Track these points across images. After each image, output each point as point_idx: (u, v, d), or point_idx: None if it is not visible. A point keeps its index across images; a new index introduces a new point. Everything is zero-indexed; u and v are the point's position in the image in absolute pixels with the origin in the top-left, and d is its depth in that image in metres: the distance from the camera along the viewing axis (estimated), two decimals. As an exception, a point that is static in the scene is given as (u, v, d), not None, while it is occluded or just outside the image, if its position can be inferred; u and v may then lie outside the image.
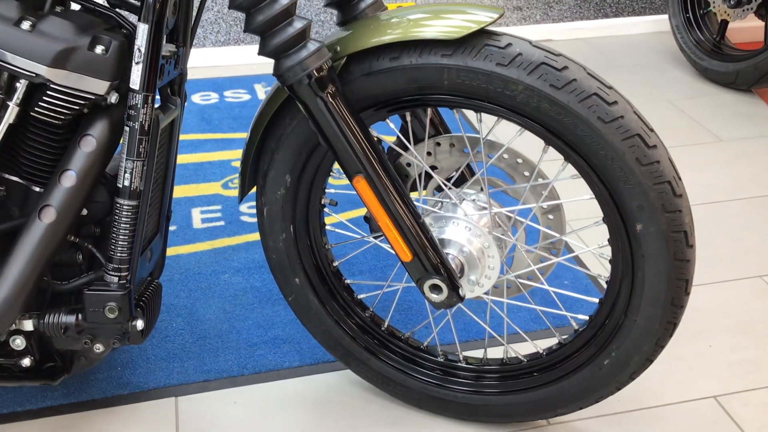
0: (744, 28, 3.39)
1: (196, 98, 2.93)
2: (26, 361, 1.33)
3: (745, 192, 2.36)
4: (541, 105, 1.16)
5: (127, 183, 1.20)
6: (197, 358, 1.67)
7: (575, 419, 1.53)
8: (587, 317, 1.37)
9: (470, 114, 2.72)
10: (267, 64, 3.24)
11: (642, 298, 1.25)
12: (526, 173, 1.35)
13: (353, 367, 1.53)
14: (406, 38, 1.18)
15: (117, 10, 1.22)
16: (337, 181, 2.34)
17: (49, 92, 1.15)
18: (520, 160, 1.34)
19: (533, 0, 3.54)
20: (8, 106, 1.16)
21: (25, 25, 1.12)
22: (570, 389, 1.38)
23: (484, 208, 1.35)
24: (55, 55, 1.12)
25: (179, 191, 2.29)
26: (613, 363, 1.32)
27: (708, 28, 3.18)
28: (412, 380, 1.50)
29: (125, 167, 1.19)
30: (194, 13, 1.32)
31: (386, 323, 1.52)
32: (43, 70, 1.13)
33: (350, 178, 1.23)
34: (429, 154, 1.39)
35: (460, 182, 1.44)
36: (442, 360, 1.50)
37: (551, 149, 1.24)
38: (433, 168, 1.40)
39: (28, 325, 1.28)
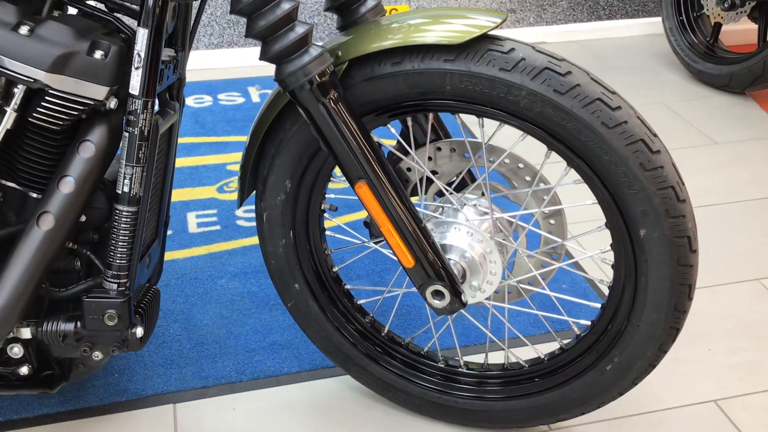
0: (737, 31, 3.41)
1: (189, 101, 2.91)
2: (24, 370, 1.31)
3: (740, 195, 2.36)
4: (545, 110, 1.15)
5: (126, 189, 1.19)
6: (195, 365, 1.66)
7: (576, 424, 1.52)
8: (589, 322, 1.36)
9: (467, 118, 2.71)
10: (260, 67, 3.22)
11: (645, 303, 1.24)
12: (527, 178, 1.34)
13: (353, 372, 1.52)
14: (408, 43, 1.17)
15: (115, 14, 1.21)
16: (333, 185, 2.33)
17: (47, 98, 1.13)
18: (521, 165, 1.33)
19: (526, 2, 3.54)
20: (6, 111, 1.14)
21: (24, 29, 1.10)
22: (572, 395, 1.37)
23: (486, 213, 1.34)
24: (54, 60, 1.11)
25: (174, 195, 2.28)
26: (616, 368, 1.31)
27: (701, 30, 3.19)
28: (412, 386, 1.49)
29: (125, 173, 1.18)
30: (193, 17, 1.31)
31: (386, 329, 1.51)
32: (42, 76, 1.11)
33: (352, 184, 1.22)
34: (429, 158, 1.38)
35: (459, 187, 1.43)
36: (442, 365, 1.49)
37: (553, 154, 1.24)
38: (434, 173, 1.39)
39: (26, 332, 1.26)
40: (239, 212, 2.20)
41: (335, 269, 1.49)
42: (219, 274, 1.95)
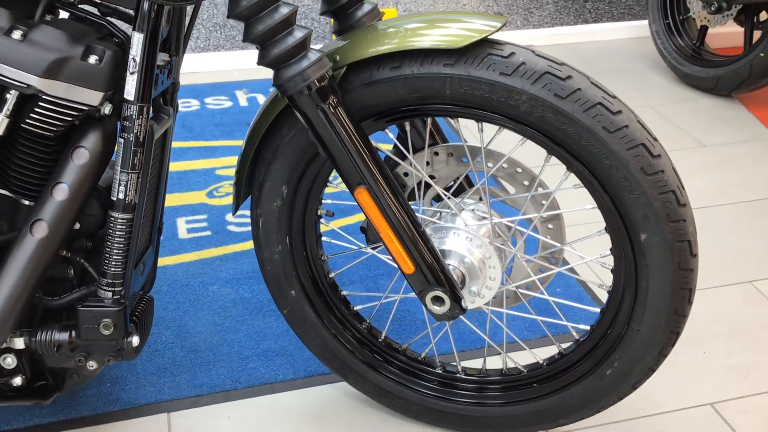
0: (723, 34, 3.43)
1: (177, 105, 2.88)
2: (17, 380, 1.29)
3: (729, 197, 2.37)
4: (545, 114, 1.15)
5: (121, 196, 1.17)
6: (189, 372, 1.64)
7: (575, 429, 1.52)
8: (588, 327, 1.36)
9: (462, 123, 2.71)
10: (247, 71, 3.20)
11: (645, 307, 1.24)
12: (526, 183, 1.34)
13: (350, 379, 1.51)
14: (407, 47, 1.16)
15: (108, 18, 1.19)
16: (328, 189, 2.31)
17: (41, 103, 1.11)
18: (519, 170, 1.33)
19: (513, 6, 3.54)
20: (-2, 117, 1.12)
21: (16, 34, 1.08)
22: (571, 400, 1.37)
23: (484, 218, 1.33)
24: (48, 65, 1.09)
25: (163, 201, 2.25)
26: (616, 373, 1.31)
27: (688, 33, 3.21)
28: (410, 392, 1.48)
29: (119, 180, 1.16)
30: (187, 22, 1.29)
31: (383, 335, 1.50)
32: (35, 81, 1.09)
33: (351, 190, 1.21)
34: (427, 163, 1.37)
35: (457, 192, 1.42)
36: (440, 371, 1.48)
37: (553, 158, 1.23)
38: (431, 177, 1.38)
39: (20, 343, 1.24)
40: (230, 217, 2.18)
41: (331, 275, 1.48)
42: (211, 280, 1.93)
